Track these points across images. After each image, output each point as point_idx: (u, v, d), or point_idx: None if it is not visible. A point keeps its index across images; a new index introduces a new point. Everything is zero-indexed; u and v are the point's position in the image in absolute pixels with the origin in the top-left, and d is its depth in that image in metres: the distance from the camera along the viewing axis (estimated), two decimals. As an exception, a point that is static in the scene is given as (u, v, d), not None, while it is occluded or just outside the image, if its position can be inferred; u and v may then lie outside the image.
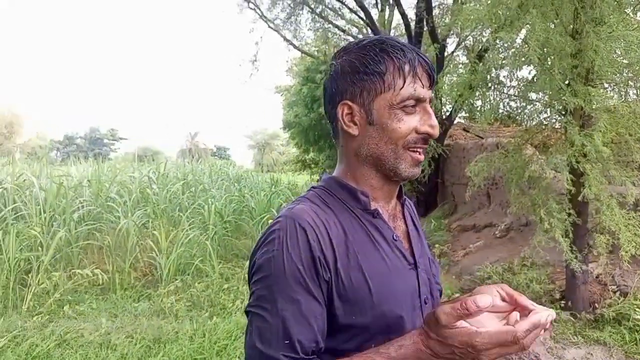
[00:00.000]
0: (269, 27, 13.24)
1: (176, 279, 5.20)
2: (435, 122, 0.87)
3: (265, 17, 13.17)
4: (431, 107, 0.89)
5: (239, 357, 3.47)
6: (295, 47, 13.83)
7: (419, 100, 0.86)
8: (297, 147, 18.98)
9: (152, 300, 4.72)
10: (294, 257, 0.78)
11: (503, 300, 0.74)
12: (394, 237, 0.90)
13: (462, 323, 0.68)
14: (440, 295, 1.02)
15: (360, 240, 0.85)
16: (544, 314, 0.70)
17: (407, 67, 0.85)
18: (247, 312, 0.82)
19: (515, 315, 0.70)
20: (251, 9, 13.14)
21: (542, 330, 0.70)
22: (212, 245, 5.89)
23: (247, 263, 0.89)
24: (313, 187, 0.95)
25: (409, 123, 0.86)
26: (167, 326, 3.94)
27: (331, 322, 0.81)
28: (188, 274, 5.38)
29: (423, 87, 0.86)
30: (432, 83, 0.89)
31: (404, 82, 0.85)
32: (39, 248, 5.12)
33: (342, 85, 0.89)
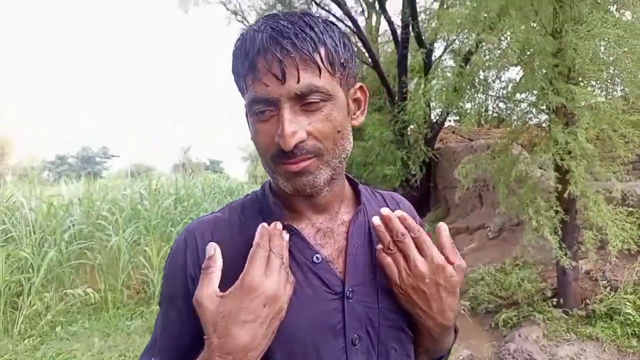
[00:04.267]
0: (257, 39, 13.31)
1: (169, 295, 5.17)
2: (285, 130, 0.65)
3: (254, 29, 13.25)
4: (304, 102, 0.67)
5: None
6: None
7: (270, 103, 0.67)
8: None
9: (144, 318, 4.69)
10: (170, 274, 0.77)
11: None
12: (315, 258, 0.74)
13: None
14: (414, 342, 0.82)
15: None
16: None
17: (246, 65, 0.69)
18: None
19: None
20: (239, 21, 13.22)
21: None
22: (204, 259, 5.86)
23: None
24: (255, 191, 0.86)
25: (265, 133, 0.69)
26: (160, 343, 3.91)
27: None
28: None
29: (268, 86, 0.66)
30: (292, 70, 0.66)
31: (246, 85, 0.70)
32: (30, 270, 5.08)
33: (237, 87, 0.79)
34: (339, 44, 0.71)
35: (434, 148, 9.11)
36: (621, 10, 4.28)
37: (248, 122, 0.76)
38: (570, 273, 4.15)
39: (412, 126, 9.32)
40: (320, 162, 0.70)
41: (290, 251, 0.72)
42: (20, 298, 4.70)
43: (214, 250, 0.60)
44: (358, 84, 0.78)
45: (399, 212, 0.73)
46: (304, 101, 0.67)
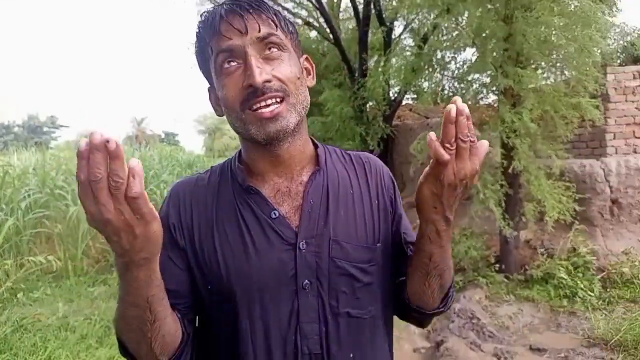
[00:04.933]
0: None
1: (131, 263, 5.24)
2: (254, 68, 0.76)
3: (214, -1, 13.01)
4: (266, 49, 0.79)
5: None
6: (243, 29, 13.72)
7: (234, 53, 0.78)
8: (248, 131, 18.97)
9: (108, 284, 4.76)
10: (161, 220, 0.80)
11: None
12: (272, 214, 0.84)
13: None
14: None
15: (226, 217, 0.85)
16: None
17: (210, 32, 0.80)
18: None
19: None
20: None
21: None
22: (166, 229, 5.93)
23: None
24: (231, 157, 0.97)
25: (233, 84, 0.79)
26: (125, 307, 4.02)
27: (199, 290, 0.85)
28: (143, 258, 5.43)
29: (231, 39, 0.77)
30: (252, 23, 0.78)
31: (211, 48, 0.80)
32: (-14, 238, 5.01)
33: (200, 69, 0.89)
34: (285, 18, 0.84)
35: (392, 125, 9.38)
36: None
37: (214, 102, 0.88)
38: (511, 242, 4.54)
39: (371, 103, 9.54)
40: (287, 104, 0.80)
41: (251, 208, 0.84)
42: (-22, 266, 4.65)
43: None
44: (304, 55, 0.90)
45: (467, 111, 0.72)
46: (265, 48, 0.78)
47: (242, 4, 0.78)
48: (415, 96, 11.30)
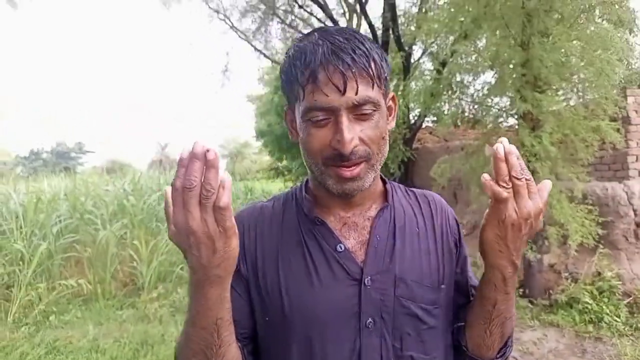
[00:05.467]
0: (240, 37, 13.48)
1: (157, 287, 5.37)
2: (344, 136, 0.73)
3: (236, 27, 13.39)
4: (358, 112, 0.75)
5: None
6: (266, 56, 14.08)
7: (328, 111, 0.75)
8: (270, 155, 19.22)
9: (136, 308, 4.88)
10: None
11: None
12: (338, 247, 0.82)
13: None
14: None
15: (291, 246, 0.84)
16: None
17: (306, 75, 0.75)
18: None
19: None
20: (221, 19, 13.32)
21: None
22: (191, 253, 6.06)
23: None
24: (296, 186, 0.95)
25: (320, 137, 0.76)
26: (153, 330, 4.13)
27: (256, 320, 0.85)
28: (169, 281, 5.55)
29: (328, 96, 0.73)
30: (352, 83, 0.73)
31: (304, 92, 0.76)
32: (20, 262, 5.21)
33: (282, 89, 0.86)
34: (383, 60, 0.80)
35: (412, 148, 9.46)
36: (587, 22, 4.60)
37: (289, 124, 0.86)
38: (535, 265, 4.53)
39: (391, 126, 9.65)
40: (368, 165, 0.78)
41: (317, 240, 0.83)
42: (12, 289, 4.83)
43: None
44: (391, 94, 0.86)
45: (516, 150, 0.71)
46: (358, 111, 0.75)
47: (344, 56, 0.73)
48: (435, 119, 11.38)
